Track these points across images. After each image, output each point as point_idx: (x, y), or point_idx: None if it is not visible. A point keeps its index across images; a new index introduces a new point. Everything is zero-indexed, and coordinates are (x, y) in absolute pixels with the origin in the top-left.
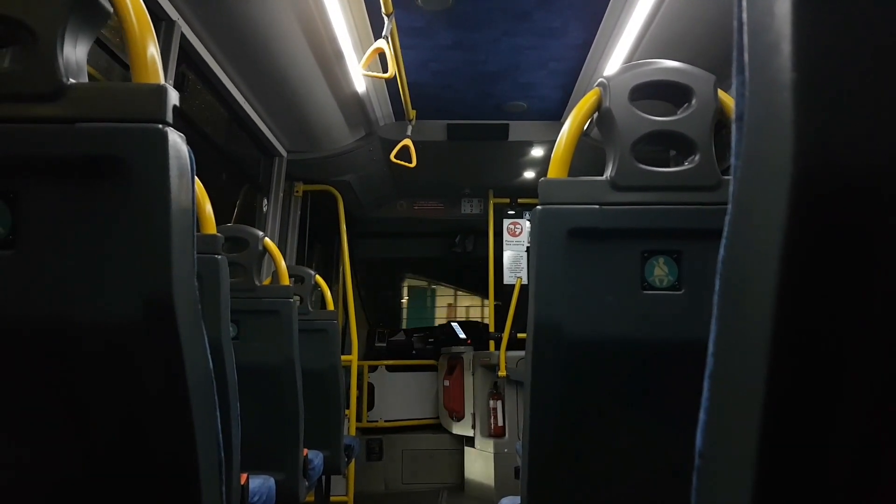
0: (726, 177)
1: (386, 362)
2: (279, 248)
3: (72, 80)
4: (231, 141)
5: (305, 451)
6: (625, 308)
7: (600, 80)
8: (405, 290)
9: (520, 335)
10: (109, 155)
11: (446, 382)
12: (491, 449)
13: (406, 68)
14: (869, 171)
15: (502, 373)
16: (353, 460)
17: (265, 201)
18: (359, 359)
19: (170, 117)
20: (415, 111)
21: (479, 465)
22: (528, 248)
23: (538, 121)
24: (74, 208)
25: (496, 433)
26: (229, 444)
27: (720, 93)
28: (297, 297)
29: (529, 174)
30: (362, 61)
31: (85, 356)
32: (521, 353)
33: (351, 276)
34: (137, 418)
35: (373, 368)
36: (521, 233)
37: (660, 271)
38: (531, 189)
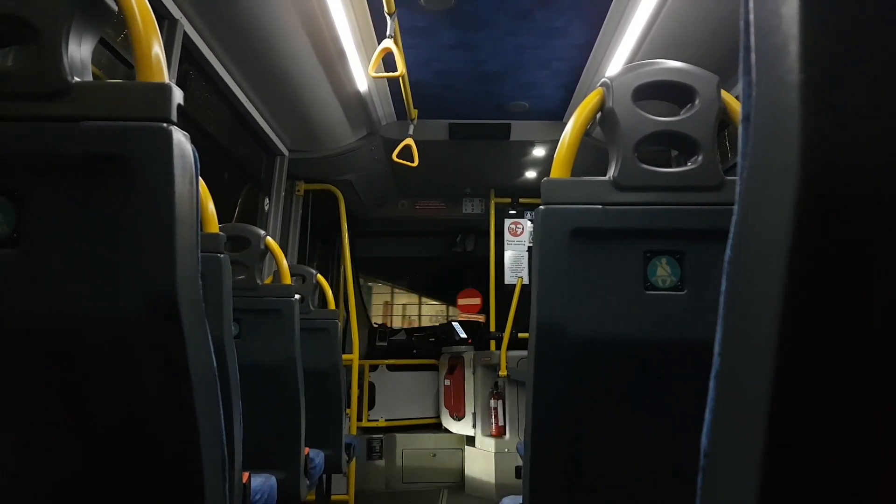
0: (729, 177)
1: (387, 361)
2: (280, 247)
3: (76, 79)
4: (233, 140)
5: (307, 449)
6: (627, 308)
7: (603, 80)
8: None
9: (521, 335)
10: (114, 153)
11: (447, 382)
12: (491, 448)
13: (408, 68)
14: (876, 172)
15: (503, 372)
16: (354, 459)
17: (267, 200)
18: (360, 358)
19: (174, 116)
20: (416, 111)
21: (480, 464)
22: (529, 247)
23: (540, 120)
24: (79, 206)
25: (497, 433)
26: (231, 442)
27: (723, 93)
28: (299, 296)
29: (531, 174)
30: (370, 64)
31: (89, 354)
32: (522, 352)
33: (352, 275)
34: (141, 417)
35: (374, 367)
36: (522, 232)
37: (662, 271)
38: (532, 189)
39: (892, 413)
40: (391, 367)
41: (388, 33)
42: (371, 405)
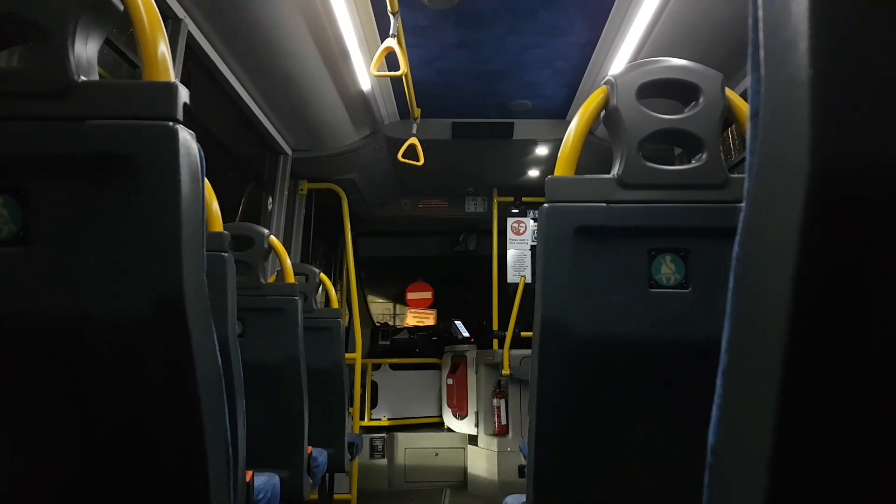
0: (733, 175)
1: (389, 360)
2: (284, 246)
3: (83, 78)
4: (236, 139)
5: (310, 448)
6: (632, 306)
7: (607, 78)
8: None
9: (523, 334)
10: (120, 152)
11: (450, 381)
12: (494, 447)
13: (411, 67)
14: (886, 169)
15: (506, 371)
16: (357, 458)
17: (270, 199)
18: (362, 357)
19: (180, 115)
20: (420, 110)
21: (483, 463)
22: (531, 246)
23: (543, 119)
24: (85, 206)
25: (499, 432)
26: (235, 441)
27: (727, 91)
28: (302, 295)
29: (534, 172)
30: (372, 63)
31: (95, 353)
32: (525, 351)
33: (355, 274)
34: (147, 415)
35: (376, 366)
36: (525, 231)
37: (667, 269)
38: (535, 187)
39: None
40: (394, 366)
41: (391, 32)
42: (374, 404)
